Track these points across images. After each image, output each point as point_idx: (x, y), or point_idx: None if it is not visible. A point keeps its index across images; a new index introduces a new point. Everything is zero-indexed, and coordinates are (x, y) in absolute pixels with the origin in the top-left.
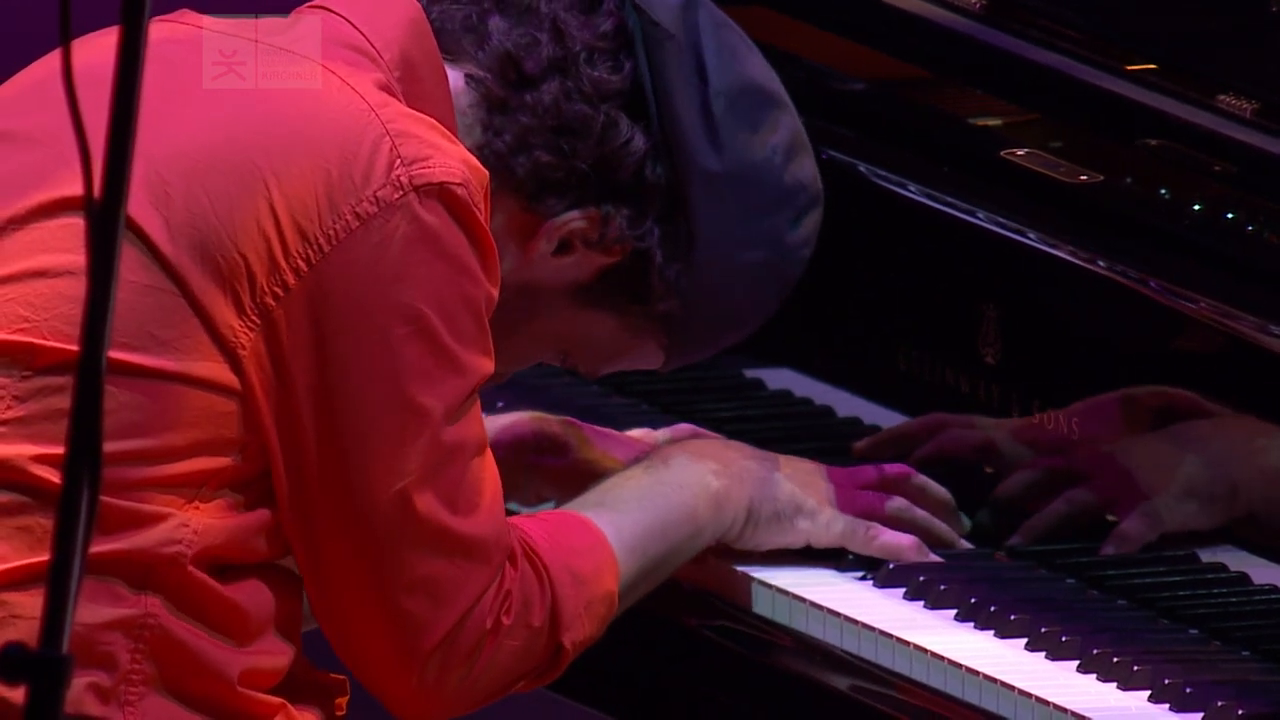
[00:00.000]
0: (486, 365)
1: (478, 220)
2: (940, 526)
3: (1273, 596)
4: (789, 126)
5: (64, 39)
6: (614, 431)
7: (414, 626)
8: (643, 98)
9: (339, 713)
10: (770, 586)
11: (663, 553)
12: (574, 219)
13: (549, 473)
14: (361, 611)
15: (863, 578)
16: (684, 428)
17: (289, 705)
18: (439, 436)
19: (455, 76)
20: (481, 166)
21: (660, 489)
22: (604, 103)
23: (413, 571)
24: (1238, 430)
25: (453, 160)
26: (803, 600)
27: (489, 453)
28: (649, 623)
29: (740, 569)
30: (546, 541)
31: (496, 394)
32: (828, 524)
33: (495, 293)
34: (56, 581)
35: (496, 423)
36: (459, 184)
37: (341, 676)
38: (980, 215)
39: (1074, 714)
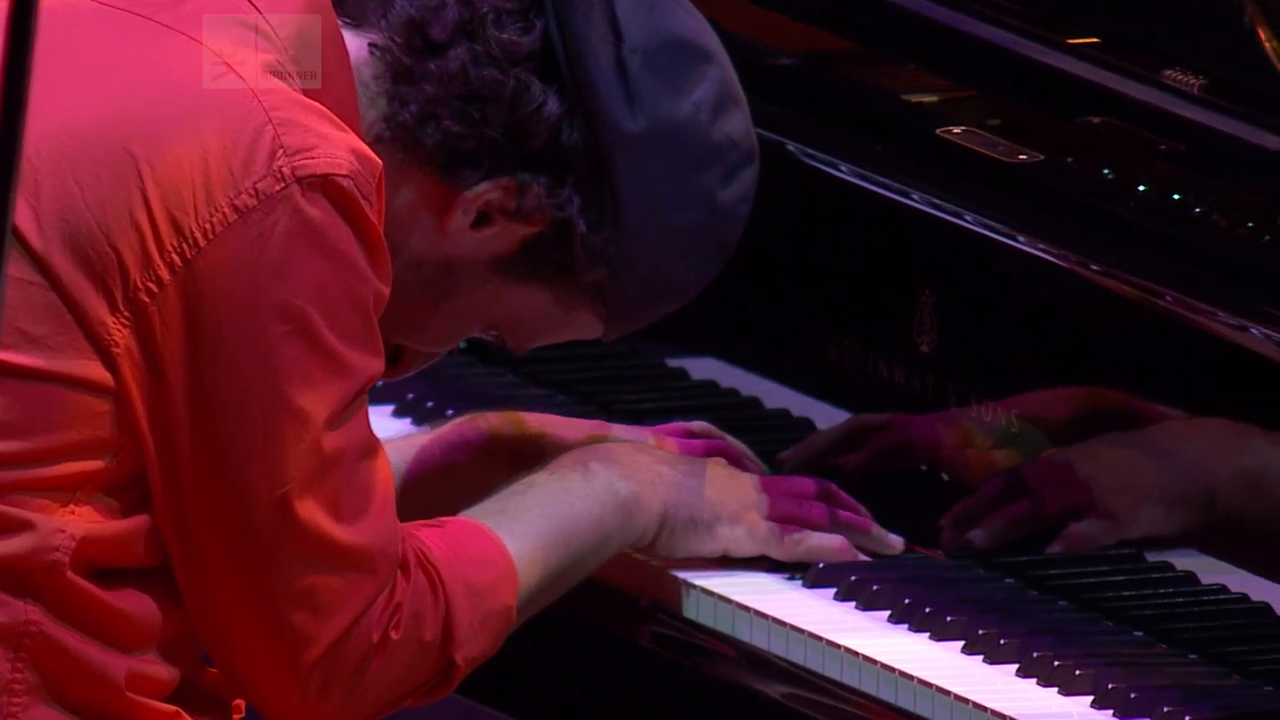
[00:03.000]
0: (374, 365)
1: (364, 214)
2: (879, 530)
3: (1221, 596)
4: (716, 80)
5: None
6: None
7: (296, 639)
8: (554, 59)
9: (237, 715)
10: (695, 587)
11: (566, 563)
12: (489, 190)
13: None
14: (241, 622)
15: (792, 578)
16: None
17: (184, 714)
18: (321, 441)
19: (358, 46)
20: (374, 156)
21: (565, 497)
22: (514, 66)
23: (294, 582)
24: (1212, 430)
25: (339, 151)
26: (729, 601)
27: (380, 457)
28: (571, 625)
29: (665, 569)
30: (443, 551)
31: (408, 385)
32: (749, 531)
33: (385, 290)
34: None
35: (439, 430)
36: (345, 176)
37: None
38: (915, 196)
39: None
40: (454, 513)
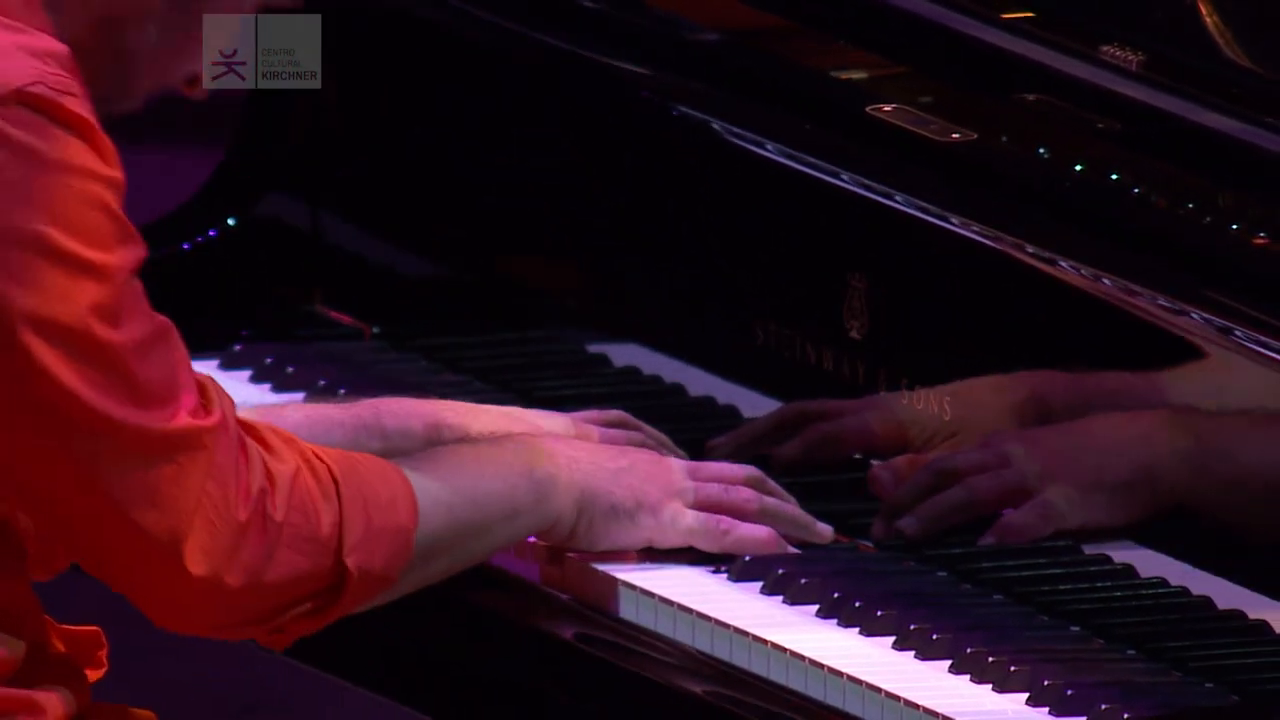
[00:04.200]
0: (132, 254)
1: (72, 112)
2: (807, 518)
3: (1160, 590)
4: None
5: None
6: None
7: (157, 539)
8: None
9: (98, 671)
10: (616, 580)
11: (473, 523)
12: None
13: None
14: (107, 542)
15: (717, 571)
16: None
17: (35, 695)
18: (108, 347)
19: None
20: (55, 44)
21: (476, 462)
22: None
23: (131, 486)
24: (1152, 416)
25: (16, 59)
26: (652, 596)
27: (172, 336)
28: (491, 620)
29: (585, 563)
30: (340, 463)
31: (319, 372)
32: (673, 520)
33: (119, 174)
34: None
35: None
36: (35, 83)
37: (94, 627)
38: (844, 177)
39: (945, 718)
40: None
